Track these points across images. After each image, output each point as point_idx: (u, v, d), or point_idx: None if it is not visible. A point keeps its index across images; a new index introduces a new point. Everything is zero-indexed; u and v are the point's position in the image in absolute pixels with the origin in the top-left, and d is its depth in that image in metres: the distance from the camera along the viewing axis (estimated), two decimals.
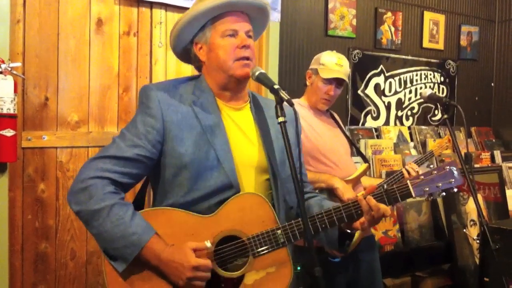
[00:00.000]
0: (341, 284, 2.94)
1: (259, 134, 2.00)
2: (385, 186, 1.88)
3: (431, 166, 1.96)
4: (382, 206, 1.86)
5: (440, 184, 1.89)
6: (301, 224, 1.83)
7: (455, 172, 1.90)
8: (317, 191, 2.88)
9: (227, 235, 1.84)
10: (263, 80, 1.85)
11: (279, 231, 1.84)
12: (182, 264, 1.74)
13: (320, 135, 3.08)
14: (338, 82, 3.08)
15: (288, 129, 1.82)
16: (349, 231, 1.95)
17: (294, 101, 3.15)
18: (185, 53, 2.07)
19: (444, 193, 1.90)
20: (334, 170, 3.05)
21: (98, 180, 1.77)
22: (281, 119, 1.73)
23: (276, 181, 1.96)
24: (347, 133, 3.50)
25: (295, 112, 1.90)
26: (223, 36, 1.93)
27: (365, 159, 3.35)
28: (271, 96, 1.84)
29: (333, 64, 3.07)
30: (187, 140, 1.87)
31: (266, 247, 1.83)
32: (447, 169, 1.90)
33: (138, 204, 2.00)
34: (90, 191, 1.76)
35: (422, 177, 1.90)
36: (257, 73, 1.87)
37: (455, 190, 1.92)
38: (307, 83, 3.17)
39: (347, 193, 2.95)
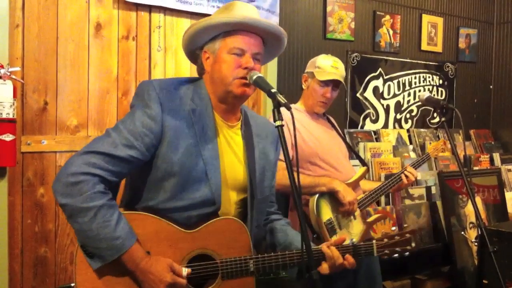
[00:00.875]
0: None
1: (245, 154, 2.04)
2: (354, 241, 2.15)
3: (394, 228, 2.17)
4: (350, 259, 2.04)
5: (399, 249, 2.16)
6: (272, 258, 1.95)
7: (413, 242, 2.19)
8: (317, 195, 2.90)
9: (202, 253, 1.91)
10: (260, 84, 1.87)
11: (251, 261, 1.93)
12: (159, 278, 1.79)
13: (318, 139, 3.09)
14: (334, 84, 3.10)
15: (269, 149, 2.05)
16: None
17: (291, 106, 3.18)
18: (192, 55, 2.11)
19: (397, 256, 2.17)
20: (333, 174, 3.06)
21: (90, 177, 1.77)
22: (278, 123, 1.75)
23: (253, 201, 2.02)
24: (345, 137, 3.50)
25: (293, 116, 1.91)
26: (230, 52, 1.95)
27: (363, 163, 3.36)
28: (269, 101, 1.84)
29: (328, 66, 3.09)
30: (180, 148, 1.89)
31: (235, 272, 1.92)
32: (407, 236, 2.18)
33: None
34: (81, 187, 1.75)
35: (386, 239, 2.15)
36: (254, 77, 1.88)
37: (406, 254, 2.19)
38: (303, 86, 3.19)
39: (348, 195, 2.95)
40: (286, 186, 2.45)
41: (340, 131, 3.35)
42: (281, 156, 1.82)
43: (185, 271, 1.82)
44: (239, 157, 2.04)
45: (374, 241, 2.13)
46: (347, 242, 2.12)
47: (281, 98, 1.75)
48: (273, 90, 1.79)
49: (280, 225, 2.22)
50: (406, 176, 3.28)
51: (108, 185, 1.83)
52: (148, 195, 1.92)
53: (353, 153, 3.49)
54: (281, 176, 2.44)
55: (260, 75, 1.90)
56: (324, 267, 2.01)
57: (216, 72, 1.97)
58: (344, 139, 3.34)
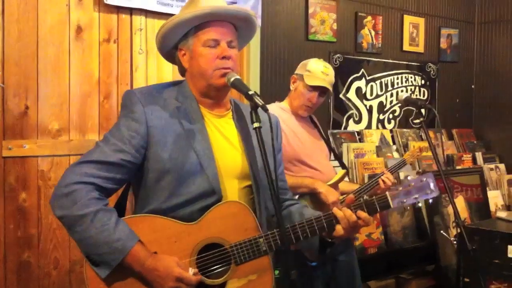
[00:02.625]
0: (319, 286, 2.95)
1: (241, 141, 2.02)
2: (365, 197, 1.90)
3: (409, 177, 2.01)
4: (363, 214, 1.89)
5: (417, 196, 1.95)
6: (281, 233, 1.84)
7: (432, 184, 1.96)
8: (297, 196, 2.91)
9: (209, 243, 1.86)
10: (238, 86, 1.87)
11: (261, 240, 1.86)
12: (165, 273, 1.76)
13: (301, 141, 3.10)
14: (321, 90, 3.11)
15: (268, 137, 1.86)
16: (329, 239, 1.97)
17: (276, 104, 3.20)
18: (170, 56, 2.10)
19: (420, 204, 1.93)
20: (314, 175, 3.07)
21: (83, 186, 1.77)
22: (256, 124, 1.76)
23: (258, 188, 1.98)
24: (328, 138, 3.51)
25: (270, 118, 1.90)
26: (204, 45, 1.94)
27: (343, 166, 3.37)
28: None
29: (319, 72, 3.10)
30: (170, 145, 1.88)
31: (248, 255, 1.85)
32: (424, 181, 1.96)
33: (119, 209, 1.99)
34: (75, 197, 1.75)
35: (401, 188, 1.95)
36: (232, 79, 1.88)
37: (430, 200, 2.01)
38: (291, 87, 3.19)
39: (330, 196, 2.97)
40: None
41: (322, 131, 3.37)
42: None
43: (191, 271, 1.79)
44: (235, 145, 2.01)
45: (387, 192, 1.94)
46: None
47: (258, 100, 1.76)
48: (250, 92, 1.79)
49: (295, 208, 2.16)
50: (383, 181, 3.29)
51: (104, 192, 1.83)
52: (148, 200, 1.90)
53: (334, 156, 3.51)
54: None
55: (237, 77, 1.90)
56: (339, 230, 1.91)
57: (195, 67, 1.97)
58: (326, 140, 3.36)
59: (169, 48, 2.06)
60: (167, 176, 1.87)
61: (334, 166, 3.37)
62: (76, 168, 1.82)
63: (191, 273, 1.78)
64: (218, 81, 1.93)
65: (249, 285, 1.86)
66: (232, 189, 1.96)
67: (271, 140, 1.78)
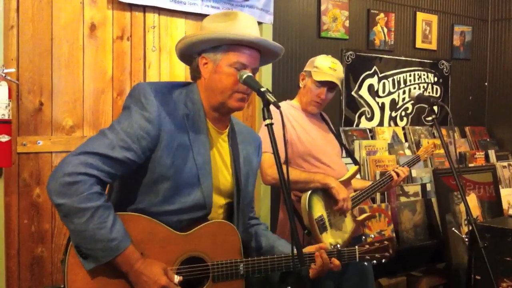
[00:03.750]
0: (330, 283, 2.96)
1: (233, 161, 2.09)
2: (339, 247, 2.25)
3: (372, 235, 2.27)
4: (336, 262, 2.20)
5: (378, 255, 2.36)
6: (261, 262, 2.03)
7: (391, 249, 2.39)
8: (309, 192, 2.92)
9: (193, 256, 1.94)
10: (250, 83, 1.89)
11: (241, 265, 1.98)
12: (153, 279, 1.82)
13: (312, 137, 3.10)
14: (330, 86, 3.10)
15: (253, 156, 2.13)
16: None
17: (287, 102, 3.21)
18: (186, 57, 2.10)
19: (375, 262, 2.37)
20: (326, 171, 3.08)
21: (87, 178, 1.77)
22: (267, 121, 1.77)
23: (239, 206, 2.07)
24: (339, 135, 3.51)
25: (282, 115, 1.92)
26: (232, 65, 1.96)
27: (355, 161, 3.37)
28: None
29: (326, 68, 3.10)
30: (176, 152, 1.91)
31: (226, 275, 1.97)
32: (385, 244, 2.38)
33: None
34: (78, 187, 1.74)
35: (367, 246, 2.35)
36: (244, 76, 1.90)
37: (383, 261, 2.38)
38: (300, 85, 3.20)
39: (341, 193, 2.97)
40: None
41: (333, 129, 3.37)
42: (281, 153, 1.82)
43: (176, 278, 1.85)
44: (226, 163, 2.09)
45: (356, 247, 2.32)
46: (333, 242, 2.37)
47: (270, 97, 1.77)
48: (262, 89, 1.81)
49: (261, 230, 2.31)
50: (397, 174, 3.29)
51: (103, 186, 1.84)
52: (139, 198, 1.93)
53: (346, 151, 3.51)
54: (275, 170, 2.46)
55: (249, 74, 1.92)
56: (312, 270, 2.13)
57: (216, 82, 1.98)
58: (337, 137, 3.36)
59: (191, 52, 2.06)
60: (166, 182, 1.90)
61: (346, 164, 3.37)
62: (82, 157, 1.79)
63: (176, 281, 1.85)
64: (234, 103, 1.98)
65: None
66: (217, 204, 2.05)
67: (256, 158, 2.08)
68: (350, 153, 3.55)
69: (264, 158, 2.62)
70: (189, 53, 2.06)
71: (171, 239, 1.90)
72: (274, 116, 1.79)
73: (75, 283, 1.82)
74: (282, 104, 3.16)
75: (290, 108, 3.13)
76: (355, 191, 3.20)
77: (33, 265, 3.20)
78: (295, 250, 1.70)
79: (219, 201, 2.06)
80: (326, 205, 2.98)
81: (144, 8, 3.54)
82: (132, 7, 3.49)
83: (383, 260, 2.37)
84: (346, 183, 3.12)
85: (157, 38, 3.60)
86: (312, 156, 3.08)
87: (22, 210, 3.16)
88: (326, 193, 2.99)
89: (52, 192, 1.77)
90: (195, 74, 2.07)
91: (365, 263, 2.36)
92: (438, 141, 3.93)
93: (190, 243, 1.93)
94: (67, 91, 3.29)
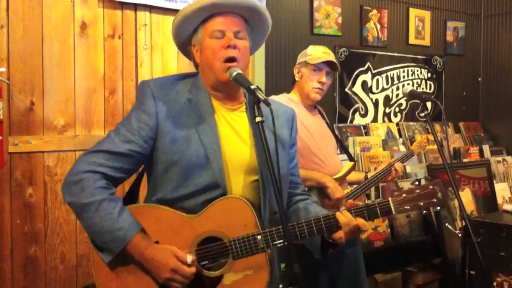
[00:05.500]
0: (324, 279, 2.96)
1: (252, 135, 2.01)
2: (367, 201, 1.91)
3: (416, 183, 1.98)
4: (361, 221, 1.89)
5: (422, 203, 1.92)
6: (280, 231, 1.86)
7: (439, 193, 1.91)
8: (306, 189, 2.92)
9: (210, 236, 1.89)
10: (239, 80, 1.87)
11: (259, 237, 1.87)
12: (162, 263, 1.82)
13: (310, 133, 3.09)
14: (328, 68, 3.09)
15: (282, 130, 1.98)
16: (331, 240, 1.97)
17: (284, 95, 3.20)
18: (187, 53, 2.12)
19: (425, 211, 1.93)
20: (322, 168, 3.07)
21: (91, 174, 1.84)
22: (258, 119, 1.77)
23: (264, 183, 1.97)
24: (334, 131, 3.50)
25: (272, 112, 1.87)
26: (211, 37, 1.95)
27: (351, 158, 3.37)
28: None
29: (320, 52, 3.11)
30: (179, 137, 1.91)
31: (245, 250, 1.87)
32: (431, 188, 1.92)
33: (132, 196, 2.08)
34: (83, 185, 1.83)
35: (405, 194, 1.92)
36: (234, 74, 1.88)
37: (438, 208, 1.94)
38: (296, 78, 3.17)
39: (337, 192, 2.97)
40: None
41: (329, 123, 3.36)
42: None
43: (189, 258, 1.83)
44: (244, 139, 2.01)
45: (390, 198, 1.92)
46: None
47: (260, 95, 1.76)
48: (252, 87, 1.79)
49: (303, 204, 2.14)
50: (396, 170, 3.31)
51: (112, 181, 1.89)
52: (157, 189, 1.95)
53: (341, 147, 3.51)
54: None
55: (239, 71, 1.89)
56: (339, 233, 1.91)
57: (204, 60, 1.98)
58: (333, 133, 3.35)
59: (184, 44, 2.08)
60: (174, 167, 1.90)
61: (341, 160, 3.37)
62: (86, 157, 1.89)
63: (189, 260, 1.82)
64: (222, 76, 1.94)
65: (245, 280, 1.89)
66: (238, 183, 1.97)
67: (289, 134, 1.81)
68: (345, 149, 3.55)
69: None
70: (184, 46, 2.08)
71: (184, 224, 1.88)
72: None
73: (101, 279, 1.90)
74: (280, 97, 3.15)
75: (288, 101, 3.11)
76: (350, 184, 3.20)
77: (26, 266, 3.18)
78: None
79: (241, 178, 1.97)
80: (321, 203, 2.98)
81: (135, 6, 3.52)
82: (123, 5, 3.47)
83: (433, 208, 1.95)
84: (341, 179, 3.12)
85: (149, 36, 3.58)
86: (309, 151, 3.07)
87: (14, 210, 3.14)
88: (320, 191, 2.99)
89: (63, 193, 1.88)
90: (195, 64, 2.08)
91: (409, 213, 1.94)
92: (431, 136, 3.93)
93: (203, 224, 1.89)
94: (59, 90, 3.27)
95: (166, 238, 1.87)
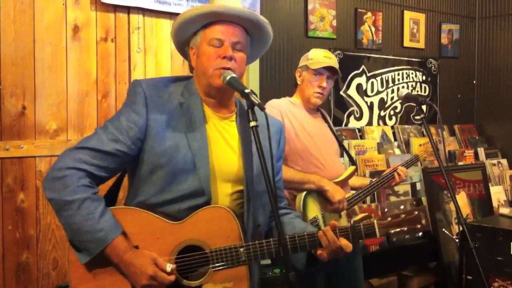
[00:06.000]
0: (321, 282, 2.93)
1: (241, 145, 2.00)
2: (352, 221, 1.96)
3: (402, 207, 1.98)
4: (344, 242, 1.88)
5: (406, 228, 1.94)
6: (264, 245, 1.86)
7: (423, 219, 1.95)
8: (304, 193, 2.89)
9: (191, 244, 1.87)
10: (233, 84, 1.85)
11: (241, 249, 1.86)
12: (140, 270, 1.79)
13: (310, 135, 3.08)
14: (328, 74, 3.08)
15: (271, 141, 1.85)
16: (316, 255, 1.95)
17: (287, 98, 3.18)
18: (184, 53, 2.12)
19: (405, 236, 1.91)
20: (322, 171, 3.06)
21: (75, 171, 1.80)
22: (252, 123, 1.74)
23: (249, 194, 1.96)
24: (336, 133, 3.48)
25: (267, 118, 1.84)
26: (209, 44, 1.94)
27: (352, 161, 3.36)
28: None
29: (321, 57, 3.11)
30: (167, 140, 1.89)
31: (226, 262, 1.86)
32: (415, 214, 1.95)
33: (111, 197, 2.04)
34: (65, 181, 1.78)
35: (390, 218, 1.95)
36: (228, 78, 1.87)
37: (420, 234, 1.93)
38: (298, 81, 3.17)
39: (337, 195, 2.95)
40: None
41: (333, 127, 3.34)
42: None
43: (169, 266, 1.80)
44: (233, 148, 2.00)
45: (375, 221, 1.93)
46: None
47: (254, 99, 1.74)
48: (246, 91, 1.77)
49: (288, 218, 2.13)
50: (398, 174, 3.29)
51: (96, 179, 1.85)
52: (139, 191, 1.92)
53: (343, 150, 3.49)
54: None
55: (233, 75, 1.88)
56: (321, 253, 1.90)
57: (199, 65, 1.97)
58: (336, 136, 3.33)
59: (183, 46, 2.07)
60: (160, 170, 1.88)
61: (343, 163, 3.34)
62: (72, 152, 1.84)
63: (169, 269, 1.80)
64: (215, 81, 1.92)
65: None
66: (223, 192, 1.96)
67: (269, 144, 1.75)
68: (347, 153, 3.53)
69: None
70: (183, 47, 2.08)
71: (165, 230, 1.85)
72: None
73: (76, 280, 1.85)
74: (282, 100, 3.14)
75: (290, 104, 3.11)
76: (353, 189, 3.18)
77: (18, 272, 3.14)
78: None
79: (227, 188, 1.96)
80: (321, 206, 2.96)
81: (128, 9, 3.49)
82: (116, 8, 3.44)
83: (418, 234, 1.99)
84: (343, 183, 3.10)
85: (142, 39, 3.55)
86: (309, 153, 3.06)
87: (6, 216, 3.10)
88: (320, 194, 2.97)
89: (44, 188, 1.83)
90: (190, 67, 2.07)
91: (392, 239, 1.99)
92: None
93: (186, 232, 1.86)
94: (51, 94, 3.23)
95: (146, 243, 1.84)
